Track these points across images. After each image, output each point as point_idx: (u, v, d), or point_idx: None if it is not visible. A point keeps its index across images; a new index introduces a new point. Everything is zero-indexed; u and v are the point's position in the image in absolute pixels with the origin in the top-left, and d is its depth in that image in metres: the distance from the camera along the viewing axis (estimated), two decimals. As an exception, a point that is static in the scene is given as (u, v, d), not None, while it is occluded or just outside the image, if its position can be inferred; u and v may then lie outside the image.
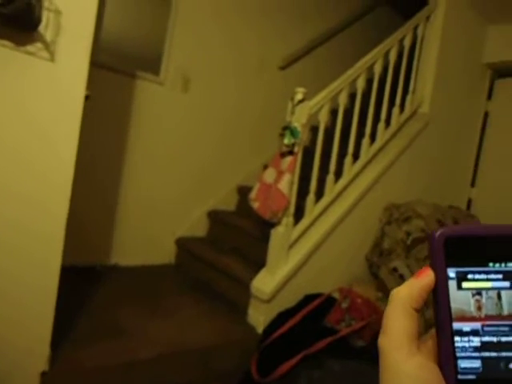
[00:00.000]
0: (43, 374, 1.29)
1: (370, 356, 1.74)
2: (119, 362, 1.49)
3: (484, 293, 0.26)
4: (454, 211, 2.46)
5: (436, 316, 0.26)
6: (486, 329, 0.26)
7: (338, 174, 2.23)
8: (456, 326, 0.26)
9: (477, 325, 0.26)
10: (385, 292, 2.21)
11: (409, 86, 2.61)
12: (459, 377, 0.25)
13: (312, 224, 2.13)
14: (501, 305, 0.26)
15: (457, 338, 0.26)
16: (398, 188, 2.58)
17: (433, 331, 0.27)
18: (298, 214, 2.08)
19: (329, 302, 1.99)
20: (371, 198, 2.39)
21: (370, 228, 2.47)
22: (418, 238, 2.21)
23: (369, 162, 2.38)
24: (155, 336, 1.68)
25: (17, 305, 1.22)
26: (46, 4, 1.18)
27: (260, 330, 1.90)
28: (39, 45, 1.20)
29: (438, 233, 0.27)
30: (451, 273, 0.26)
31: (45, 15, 1.18)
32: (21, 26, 1.15)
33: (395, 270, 2.21)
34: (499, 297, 0.26)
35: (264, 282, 1.96)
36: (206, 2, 2.62)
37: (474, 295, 0.26)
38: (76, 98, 1.29)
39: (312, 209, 2.11)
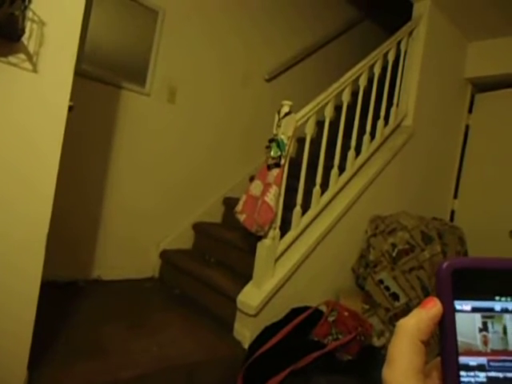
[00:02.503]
0: (20, 397, 1.23)
1: (357, 371, 1.73)
2: (101, 382, 1.44)
3: (490, 327, 0.26)
4: (437, 223, 2.49)
5: (442, 349, 0.26)
6: (492, 364, 0.25)
7: (324, 186, 2.24)
8: (462, 360, 0.25)
9: (483, 359, 0.25)
10: (371, 304, 2.21)
11: (393, 99, 2.66)
12: None
13: (298, 236, 2.13)
14: (507, 340, 0.26)
15: (462, 373, 0.25)
16: (383, 200, 2.60)
17: (436, 361, 0.27)
18: (285, 226, 2.07)
19: (316, 315, 1.98)
20: (357, 210, 2.40)
21: (356, 240, 2.48)
22: (403, 250, 2.22)
23: (354, 174, 2.40)
24: (139, 354, 1.63)
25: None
26: (29, 15, 1.16)
27: (246, 345, 1.87)
28: (22, 56, 1.17)
29: (446, 264, 0.26)
30: (458, 305, 0.26)
31: (28, 26, 1.16)
32: (3, 36, 1.12)
33: (381, 281, 2.22)
34: (505, 331, 0.26)
35: (250, 296, 1.94)
36: (194, 12, 2.63)
37: (480, 330, 0.26)
38: (59, 109, 1.26)
39: (298, 221, 2.10)
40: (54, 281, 2.10)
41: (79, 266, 2.33)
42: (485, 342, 0.25)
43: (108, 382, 1.45)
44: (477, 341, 0.26)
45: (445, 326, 0.26)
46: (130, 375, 1.51)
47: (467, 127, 3.29)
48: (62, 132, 1.28)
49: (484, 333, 0.26)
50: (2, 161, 1.16)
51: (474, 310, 0.26)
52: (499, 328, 0.26)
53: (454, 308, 0.26)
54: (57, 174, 1.27)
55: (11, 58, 1.15)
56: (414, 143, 2.77)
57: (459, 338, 0.25)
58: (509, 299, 0.26)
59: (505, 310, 0.26)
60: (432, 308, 0.26)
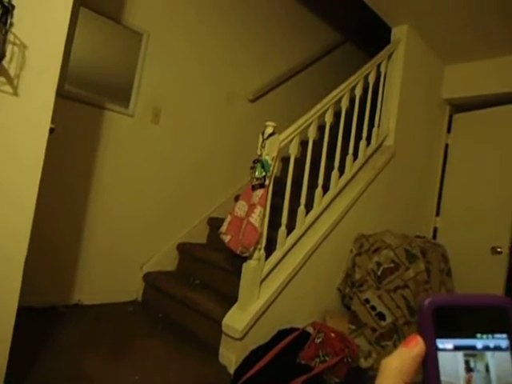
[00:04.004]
0: (-8, 434, 1.16)
1: (345, 393, 1.70)
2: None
3: (473, 365, 0.25)
4: (420, 240, 2.52)
5: None
6: None
7: (309, 206, 2.25)
8: None
9: None
10: (357, 324, 2.20)
11: (374, 119, 2.71)
12: None
13: (284, 257, 2.11)
14: (489, 378, 0.25)
15: None
16: (367, 219, 2.63)
17: None
18: (270, 246, 2.06)
19: (303, 336, 1.95)
20: (342, 229, 2.42)
21: (341, 259, 2.48)
22: (387, 269, 2.23)
23: (338, 193, 2.42)
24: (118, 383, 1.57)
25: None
26: (11, 38, 1.15)
27: (232, 369, 1.82)
28: (2, 79, 1.16)
29: (428, 301, 0.26)
30: (440, 344, 0.26)
31: (9, 49, 1.15)
32: (-17, 59, 1.11)
33: (367, 301, 2.21)
34: (487, 369, 0.25)
35: (235, 320, 1.90)
36: (179, 33, 2.66)
37: (464, 369, 0.25)
38: (40, 132, 1.25)
39: (284, 241, 2.10)
40: (31, 306, 2.02)
41: (59, 289, 2.26)
42: (468, 381, 0.25)
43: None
44: (460, 380, 0.25)
45: (428, 365, 0.26)
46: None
47: (446, 146, 3.38)
48: (43, 150, 1.26)
49: (470, 373, 0.25)
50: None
51: (456, 348, 0.26)
52: (481, 367, 0.25)
53: (437, 347, 0.26)
54: (35, 200, 1.24)
55: (-9, 81, 1.13)
56: (396, 162, 2.82)
57: (442, 378, 0.25)
58: (489, 336, 0.26)
59: (486, 348, 0.26)
60: (415, 347, 0.26)
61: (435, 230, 3.35)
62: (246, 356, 1.85)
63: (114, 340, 1.92)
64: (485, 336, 0.26)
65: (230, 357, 1.85)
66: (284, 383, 1.67)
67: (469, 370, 0.25)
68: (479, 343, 0.26)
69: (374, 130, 2.69)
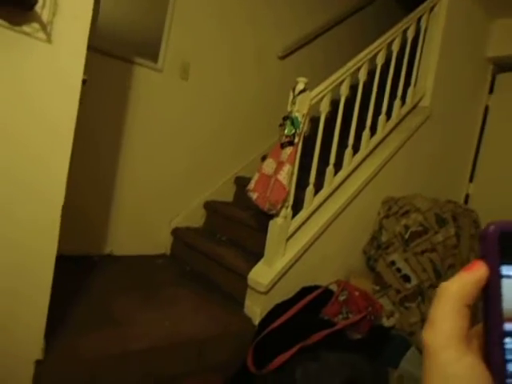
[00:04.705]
0: (38, 363, 1.27)
1: (367, 349, 1.74)
2: (113, 352, 1.47)
3: None
4: (452, 205, 2.45)
5: (485, 315, 0.25)
6: None
7: (338, 166, 2.21)
8: (507, 327, 0.24)
9: None
10: (382, 285, 2.21)
11: (410, 78, 2.58)
12: (508, 380, 0.23)
13: (310, 216, 2.11)
14: None
15: (507, 340, 0.24)
16: (396, 182, 2.56)
17: (476, 330, 0.26)
18: (297, 206, 2.06)
19: (326, 294, 1.99)
20: (370, 191, 2.38)
21: (368, 221, 2.46)
22: (416, 232, 2.20)
23: (369, 154, 2.36)
24: (150, 327, 1.66)
25: (11, 294, 1.19)
26: (42, -18, 1.14)
27: (257, 321, 1.89)
28: (36, 25, 1.15)
29: (493, 226, 0.25)
30: (505, 271, 0.24)
31: (41, -6, 1.14)
32: (17, 5, 1.10)
33: (393, 263, 2.21)
34: None
35: (261, 274, 1.95)
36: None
37: None
38: (74, 81, 1.25)
39: (311, 201, 2.09)
40: (68, 255, 2.13)
41: (92, 241, 2.37)
42: None
43: (119, 353, 1.48)
44: None
45: (489, 291, 0.24)
46: (141, 347, 1.54)
47: (486, 108, 3.20)
48: (77, 105, 1.26)
49: None
50: (15, 134, 1.16)
51: None
52: None
53: (501, 273, 0.24)
54: (71, 151, 1.27)
55: (25, 28, 1.13)
56: (431, 124, 2.70)
57: (504, 305, 0.24)
58: None
59: None
60: (477, 271, 0.25)
61: (467, 196, 3.24)
62: (271, 309, 1.90)
63: (145, 288, 2.02)
64: None
65: (255, 309, 1.91)
66: (306, 336, 1.72)
67: None
68: None
69: (410, 89, 2.57)
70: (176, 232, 2.64)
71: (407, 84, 2.56)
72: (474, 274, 0.25)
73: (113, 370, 1.46)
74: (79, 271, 2.06)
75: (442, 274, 2.13)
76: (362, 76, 2.23)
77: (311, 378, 1.54)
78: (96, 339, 1.49)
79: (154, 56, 2.44)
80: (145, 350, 1.54)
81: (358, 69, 2.20)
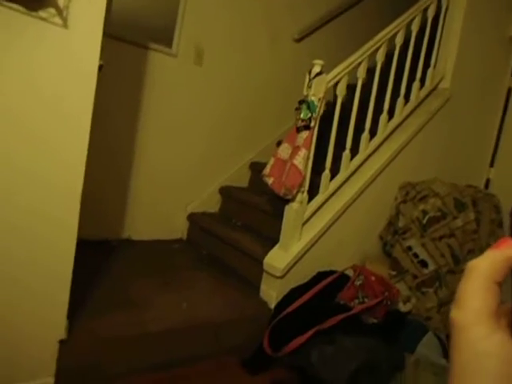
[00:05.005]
0: (61, 342, 1.31)
1: (383, 333, 1.74)
2: (132, 333, 1.51)
3: None
4: (472, 190, 2.40)
5: None
6: None
7: (354, 151, 2.18)
8: None
9: None
10: (398, 270, 2.19)
11: (430, 59, 2.50)
12: None
13: (326, 201, 2.10)
14: None
15: None
16: (414, 166, 2.52)
17: (505, 307, 0.25)
18: (312, 191, 2.05)
19: (342, 279, 1.98)
20: (387, 176, 2.34)
21: (384, 206, 2.43)
22: (434, 217, 2.17)
23: (386, 138, 2.32)
24: (167, 309, 1.70)
25: (36, 275, 1.23)
26: (57, -34, 1.13)
27: (272, 305, 1.90)
28: (52, 10, 1.15)
29: None
30: None
31: (57, -22, 1.14)
32: (32, -11, 1.11)
33: (409, 248, 2.19)
34: None
35: (277, 259, 1.96)
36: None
37: None
38: (90, 67, 1.25)
39: (327, 185, 2.07)
40: (87, 239, 2.17)
41: (110, 226, 2.41)
42: None
43: (138, 334, 1.52)
44: None
45: None
46: (159, 329, 1.58)
47: (509, 90, 3.09)
48: (93, 90, 1.27)
49: None
50: (32, 124, 1.18)
51: None
52: None
53: None
54: (89, 134, 1.28)
55: (41, 13, 1.14)
56: (451, 107, 2.62)
57: None
58: None
59: None
60: (507, 249, 0.24)
61: (488, 181, 3.16)
62: (286, 293, 1.91)
63: (162, 272, 2.05)
64: None
65: (271, 293, 1.93)
66: (322, 320, 1.73)
67: None
68: None
69: (430, 70, 2.49)
70: (192, 217, 2.67)
71: (426, 65, 2.49)
72: (503, 252, 0.24)
73: (131, 350, 1.51)
74: (98, 255, 2.11)
75: (460, 260, 2.10)
76: (380, 57, 2.18)
77: (327, 360, 1.55)
78: (116, 321, 1.53)
79: (168, 41, 2.43)
80: (163, 332, 1.58)
81: (376, 50, 2.14)
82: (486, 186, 3.15)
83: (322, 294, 1.90)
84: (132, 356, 1.50)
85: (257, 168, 2.74)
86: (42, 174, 1.20)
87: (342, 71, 1.97)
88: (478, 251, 2.13)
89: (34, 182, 1.20)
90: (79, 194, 1.27)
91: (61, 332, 1.31)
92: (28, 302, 1.23)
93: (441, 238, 2.14)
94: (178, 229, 2.69)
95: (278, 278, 1.92)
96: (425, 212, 2.19)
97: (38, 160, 1.19)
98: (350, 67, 2.01)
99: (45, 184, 1.21)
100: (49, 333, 1.29)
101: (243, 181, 2.93)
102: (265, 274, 1.98)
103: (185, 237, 2.71)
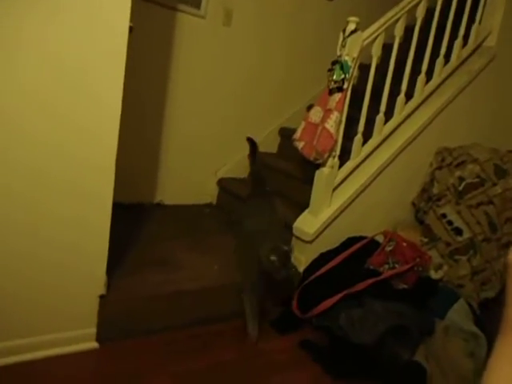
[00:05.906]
0: (101, 297, 1.39)
1: (413, 299, 1.74)
2: (167, 291, 1.58)
3: None
4: (514, 156, 2.27)
5: None
6: None
7: (389, 114, 2.10)
8: None
9: None
10: (431, 237, 2.15)
11: (475, 15, 2.32)
12: None
13: (358, 166, 2.06)
14: None
15: None
16: (453, 131, 2.40)
17: None
18: (343, 156, 2.00)
19: (372, 245, 1.97)
20: (422, 141, 2.25)
21: (417, 172, 2.36)
22: (471, 184, 2.08)
23: (423, 101, 2.21)
24: (199, 269, 1.75)
25: (79, 233, 1.29)
26: None
27: (301, 269, 1.93)
28: (81, -31, 1.13)
29: None
30: None
31: None
32: None
33: (444, 216, 2.13)
34: None
35: (307, 224, 1.96)
36: None
37: None
38: (121, 28, 1.24)
39: (359, 150, 2.02)
40: (120, 202, 2.24)
41: (143, 191, 2.47)
42: None
43: (173, 291, 1.58)
44: None
45: None
46: (193, 287, 1.64)
47: (562, 48, 2.84)
48: (125, 53, 1.26)
49: None
50: (68, 80, 1.19)
51: None
52: None
53: None
54: (122, 95, 1.29)
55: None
56: (496, 67, 2.45)
57: None
58: None
59: None
60: None
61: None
62: (316, 258, 1.93)
63: (193, 234, 2.11)
64: None
65: (300, 257, 1.95)
66: (352, 284, 1.74)
67: None
68: None
69: (474, 26, 2.32)
70: (222, 182, 2.69)
71: (471, 21, 2.31)
72: None
73: (165, 307, 1.58)
74: (132, 218, 2.18)
75: (497, 228, 2.03)
76: (420, 13, 2.04)
77: (355, 322, 1.57)
78: (150, 279, 1.59)
79: (196, 2, 2.37)
80: (196, 291, 1.64)
81: (416, 6, 2.00)
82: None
83: (352, 259, 1.91)
84: (168, 312, 1.58)
85: (286, 133, 2.69)
86: (73, 152, 1.22)
87: (379, 28, 1.87)
88: (517, 219, 2.05)
89: (67, 159, 1.22)
90: (113, 167, 1.31)
91: (101, 287, 1.38)
92: (71, 255, 1.29)
93: (478, 205, 2.07)
94: (208, 194, 2.72)
95: (307, 242, 1.93)
96: (461, 178, 2.11)
97: (69, 138, 1.21)
98: (388, 24, 1.90)
99: (79, 161, 1.24)
100: (90, 287, 1.36)
101: (272, 147, 2.91)
102: (294, 239, 1.99)
103: (215, 201, 2.74)
